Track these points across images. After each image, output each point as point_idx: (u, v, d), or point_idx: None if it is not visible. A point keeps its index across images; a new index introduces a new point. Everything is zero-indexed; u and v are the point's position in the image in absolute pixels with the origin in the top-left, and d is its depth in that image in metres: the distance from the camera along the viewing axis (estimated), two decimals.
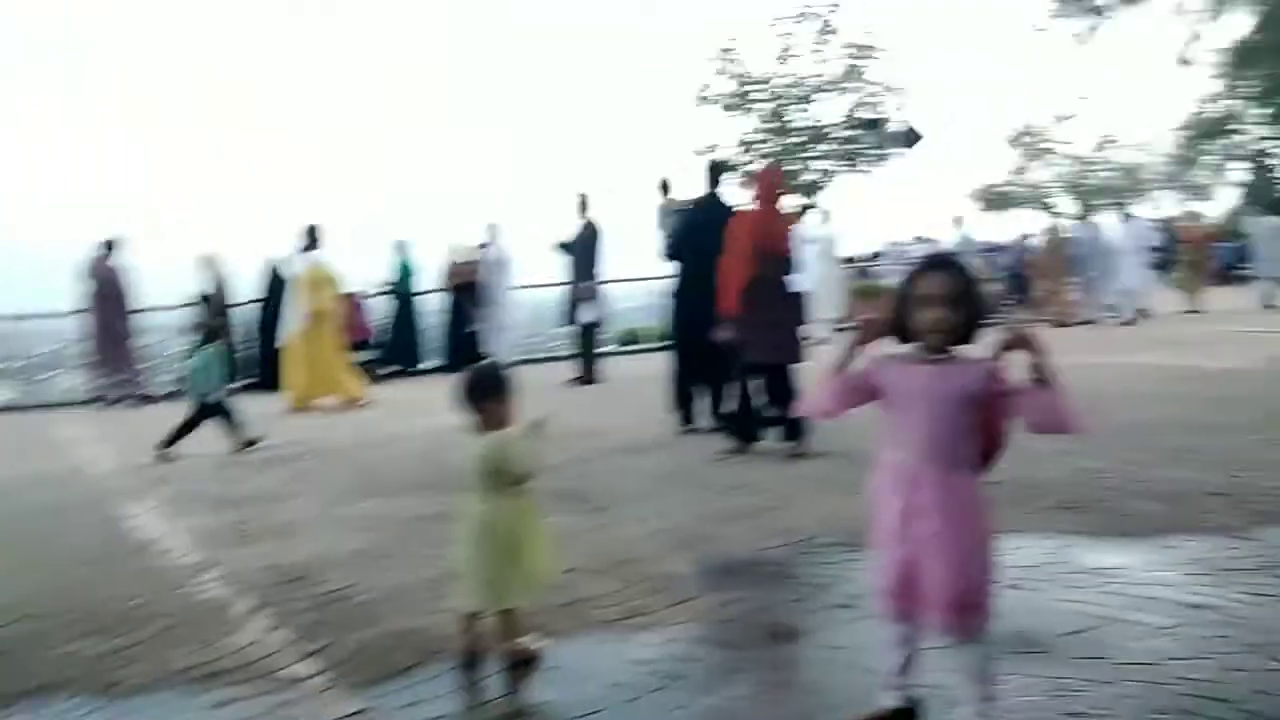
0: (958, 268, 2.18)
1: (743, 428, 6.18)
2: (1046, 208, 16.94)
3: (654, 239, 8.68)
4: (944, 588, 2.10)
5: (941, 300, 2.11)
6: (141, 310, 12.07)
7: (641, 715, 2.55)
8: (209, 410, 7.25)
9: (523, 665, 2.90)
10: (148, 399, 11.42)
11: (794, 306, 6.22)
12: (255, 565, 4.16)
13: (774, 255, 6.03)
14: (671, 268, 7.23)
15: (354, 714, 2.65)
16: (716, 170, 7.09)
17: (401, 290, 13.14)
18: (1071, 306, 15.80)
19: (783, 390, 6.07)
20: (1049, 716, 2.40)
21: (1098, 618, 3.03)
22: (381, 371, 12.69)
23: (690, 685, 2.72)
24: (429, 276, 13.53)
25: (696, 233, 6.80)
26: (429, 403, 9.24)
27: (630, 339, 15.40)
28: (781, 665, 2.90)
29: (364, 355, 12.56)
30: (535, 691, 2.78)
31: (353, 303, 12.67)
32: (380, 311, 13.40)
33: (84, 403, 11.48)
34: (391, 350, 13.07)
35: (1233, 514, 4.09)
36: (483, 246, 13.30)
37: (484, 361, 3.25)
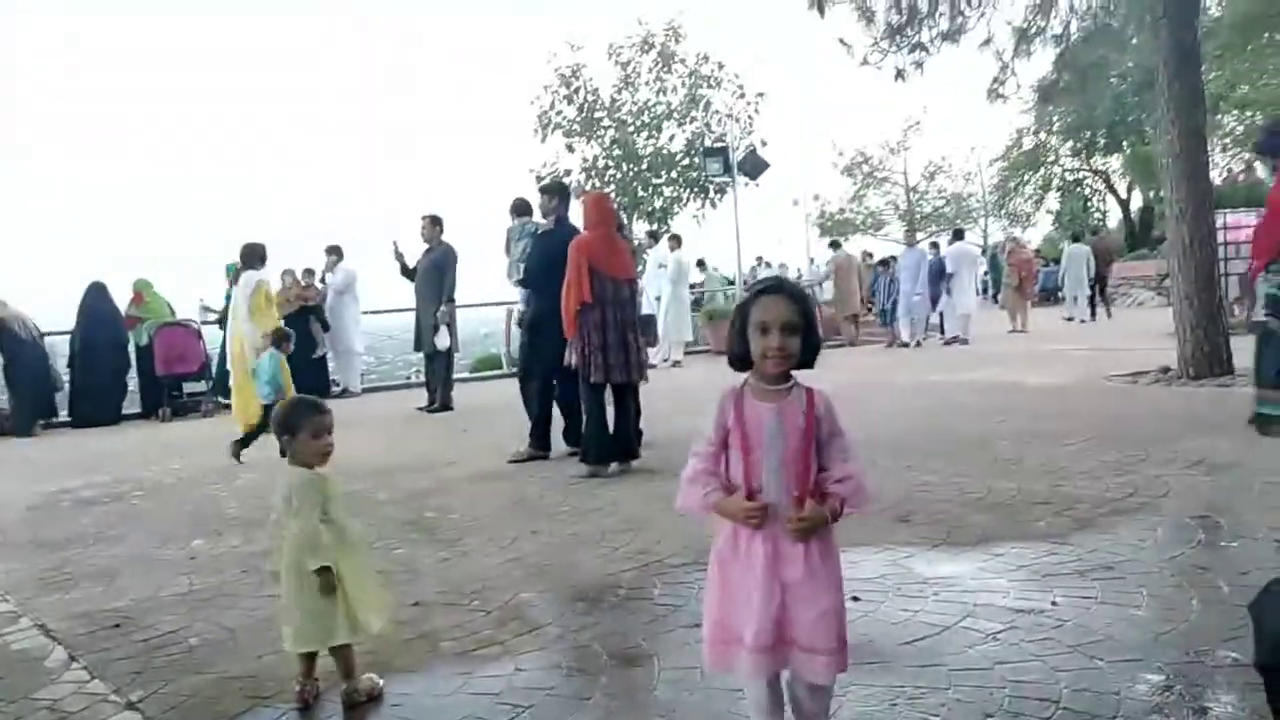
0: (795, 292, 2.13)
1: (593, 451, 6.19)
2: (910, 235, 17.83)
3: (500, 262, 8.55)
4: (824, 633, 2.01)
5: (781, 326, 2.03)
6: None
7: None
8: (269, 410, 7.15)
9: (362, 703, 2.78)
10: None
11: (634, 328, 6.32)
12: (72, 612, 3.85)
13: (611, 279, 6.13)
14: (519, 292, 7.22)
15: None
16: (563, 192, 7.15)
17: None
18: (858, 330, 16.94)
19: (626, 410, 6.21)
20: None
21: (933, 626, 3.16)
22: (222, 402, 12.04)
23: (541, 714, 2.67)
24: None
25: (552, 256, 6.78)
26: (266, 436, 8.83)
27: (487, 364, 15.22)
28: (634, 689, 2.88)
29: (195, 387, 11.91)
30: None
31: (189, 330, 12.01)
32: (215, 340, 12.69)
33: None
34: (221, 382, 12.37)
35: (1055, 521, 4.36)
36: (326, 271, 12.88)
37: (296, 396, 3.10)
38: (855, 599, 3.37)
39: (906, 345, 15.88)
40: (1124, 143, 30.64)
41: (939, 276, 16.29)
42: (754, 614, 2.01)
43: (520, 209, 7.68)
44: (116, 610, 3.85)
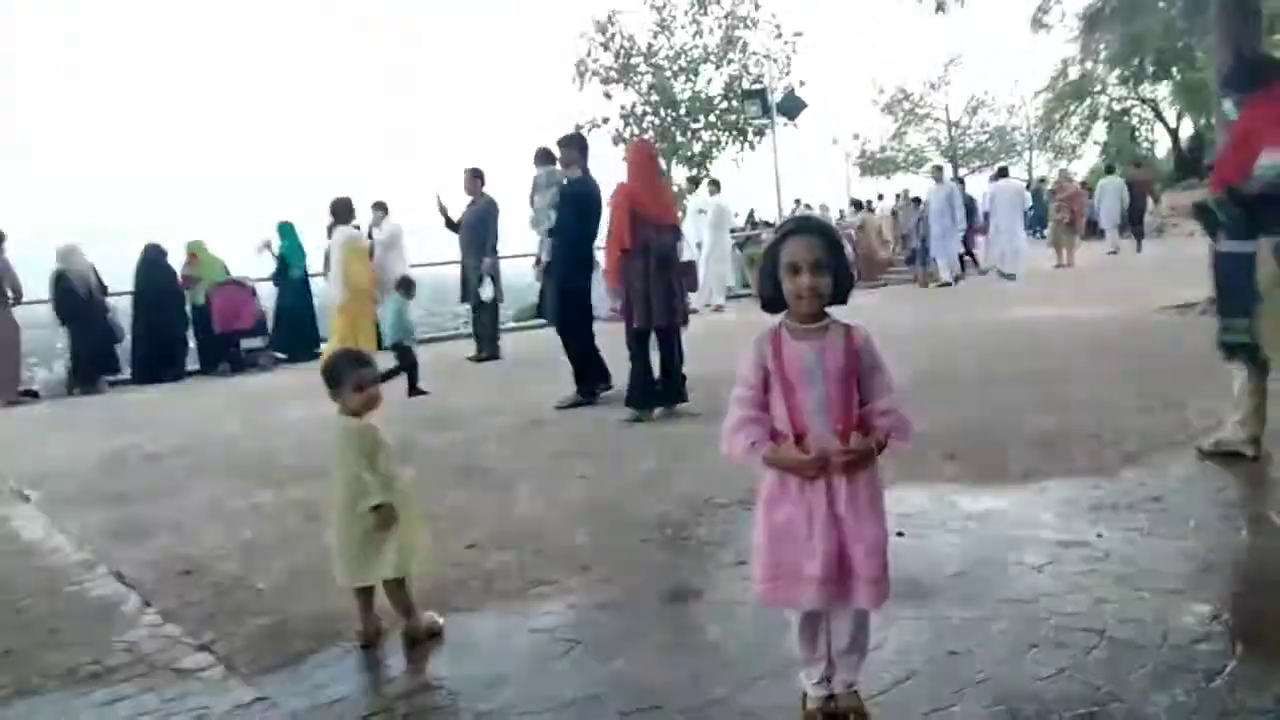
0: (822, 230, 2.14)
1: (639, 395, 6.27)
2: (938, 171, 17.51)
3: (527, 210, 8.58)
4: (871, 563, 2.06)
5: (810, 265, 2.04)
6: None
7: (546, 684, 2.58)
8: (405, 352, 8.04)
9: (423, 640, 2.91)
10: (29, 394, 10.84)
11: (678, 273, 6.37)
12: (144, 560, 4.03)
13: (654, 224, 6.16)
14: (541, 240, 7.25)
15: (252, 702, 2.61)
16: (582, 143, 7.22)
17: (289, 275, 12.68)
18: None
19: (670, 354, 6.26)
20: (932, 654, 2.53)
21: (978, 560, 3.20)
22: (279, 357, 12.33)
23: (593, 651, 2.76)
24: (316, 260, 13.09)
25: (587, 204, 6.92)
26: (320, 388, 9.03)
27: (530, 314, 15.30)
28: (682, 626, 2.97)
29: (253, 343, 12.18)
30: (437, 665, 2.79)
31: (244, 289, 12.26)
32: (269, 297, 12.93)
33: None
34: (280, 337, 12.65)
35: (1102, 455, 4.35)
36: (372, 226, 12.99)
37: (342, 347, 3.23)
38: (900, 534, 3.42)
39: (948, 284, 15.67)
40: (1173, 69, 29.62)
41: (969, 213, 16.03)
42: (816, 549, 2.06)
43: (544, 157, 7.64)
44: (186, 558, 4.01)
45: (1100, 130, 35.86)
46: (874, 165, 37.59)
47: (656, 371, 6.33)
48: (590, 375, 6.99)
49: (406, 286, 8.54)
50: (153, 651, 3.03)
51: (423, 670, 2.78)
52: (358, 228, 10.46)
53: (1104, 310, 9.92)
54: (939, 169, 17.88)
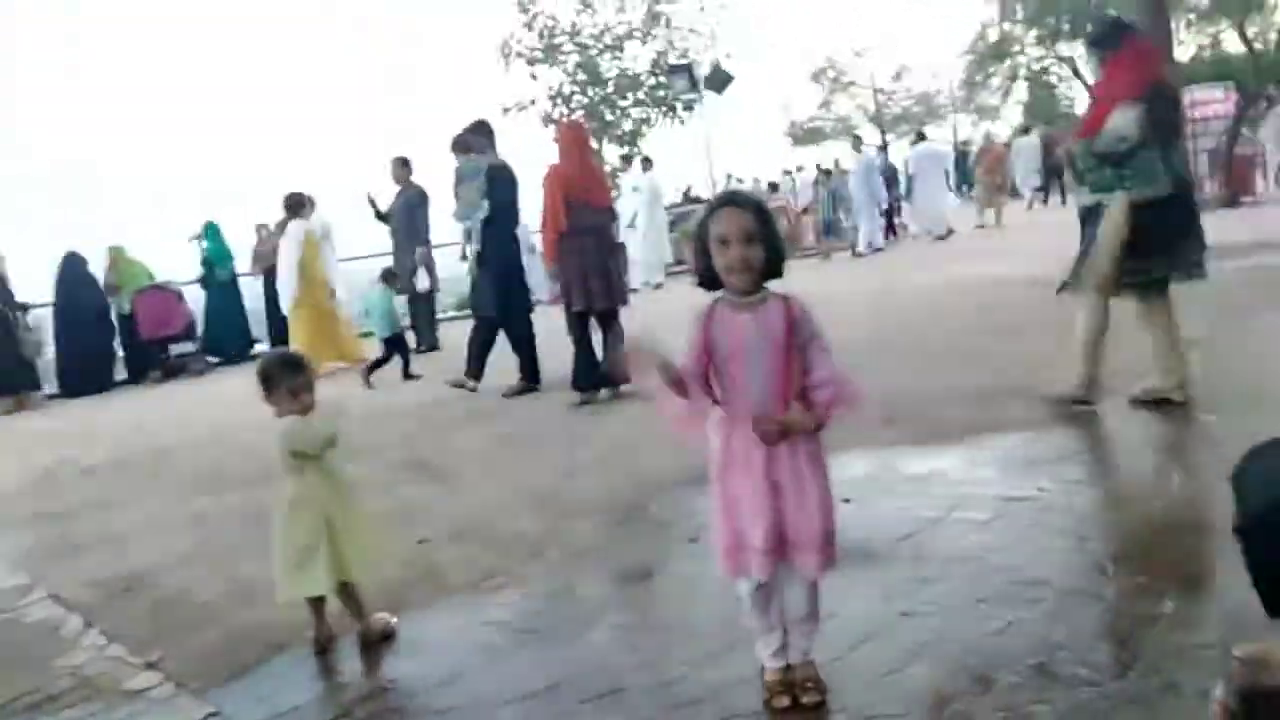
0: (751, 203, 2.13)
1: (584, 378, 6.25)
2: (857, 141, 17.58)
3: (450, 199, 8.54)
4: (816, 533, 2.08)
5: (740, 237, 2.05)
6: None
7: (504, 677, 2.56)
8: (392, 344, 8.34)
9: (377, 642, 2.87)
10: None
11: (613, 254, 6.39)
12: (83, 580, 3.91)
13: (588, 206, 6.14)
14: (468, 230, 7.19)
15: (205, 718, 2.55)
16: (490, 129, 7.19)
17: (216, 277, 12.37)
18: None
19: (613, 335, 6.27)
20: (884, 617, 2.56)
21: (923, 520, 3.25)
22: (211, 361, 12.06)
23: (550, 640, 2.76)
24: (241, 260, 12.77)
25: (513, 188, 6.98)
26: (255, 392, 8.84)
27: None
28: (638, 606, 2.97)
29: (183, 348, 11.88)
30: (393, 666, 2.75)
31: (169, 293, 11.93)
32: (196, 300, 12.60)
33: None
34: (210, 341, 12.36)
35: (1035, 411, 4.44)
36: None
37: (273, 349, 3.15)
38: (846, 501, 3.45)
39: (862, 254, 15.59)
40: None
41: (891, 181, 16.22)
42: (757, 517, 2.08)
43: (465, 145, 7.53)
44: (127, 574, 3.90)
45: (1021, 90, 36.51)
46: (804, 135, 37.80)
47: (599, 353, 6.33)
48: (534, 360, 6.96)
49: (390, 279, 8.86)
50: (97, 674, 2.95)
51: (378, 672, 2.74)
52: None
53: (1033, 268, 10.12)
54: (857, 139, 18.03)
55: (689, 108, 20.86)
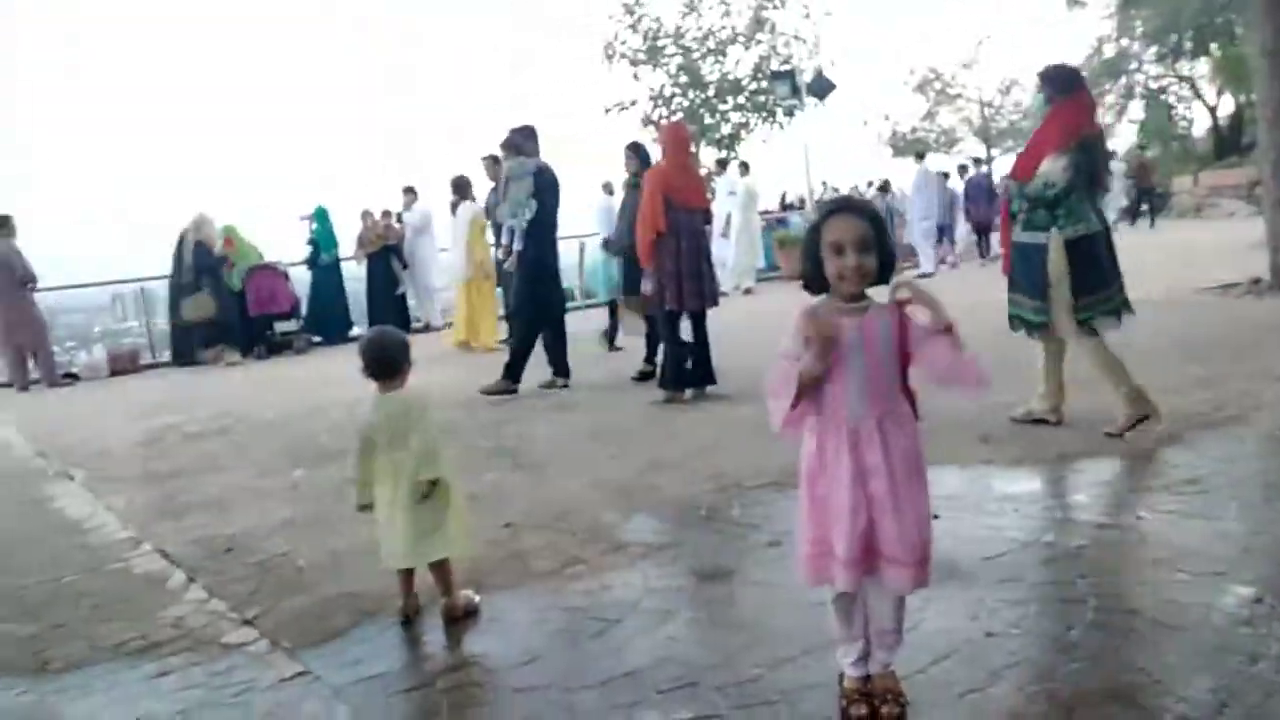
0: (867, 210, 2.13)
1: (672, 377, 6.29)
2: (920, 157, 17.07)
3: (491, 200, 8.73)
4: (908, 546, 2.05)
5: (855, 245, 2.03)
6: (55, 289, 11.72)
7: (582, 662, 2.60)
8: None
9: (461, 618, 2.95)
10: (70, 377, 11.03)
11: (708, 256, 6.46)
12: (187, 538, 4.11)
13: (685, 208, 6.17)
14: (508, 231, 7.33)
15: (295, 676, 2.66)
16: (535, 132, 7.30)
17: (322, 260, 12.80)
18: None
19: (702, 337, 6.28)
20: (968, 635, 2.53)
21: (1014, 541, 3.19)
22: (313, 340, 12.48)
23: (628, 630, 2.79)
24: (347, 244, 13.18)
25: (557, 191, 7.26)
26: (352, 372, 9.13)
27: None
28: (716, 605, 2.98)
29: (288, 326, 12.32)
30: (475, 642, 2.82)
31: (278, 273, 12.39)
32: (302, 281, 13.06)
33: (1, 385, 11.00)
34: (311, 320, 12.80)
35: (1138, 437, 4.30)
36: (403, 210, 13.07)
37: (377, 328, 3.25)
38: (936, 516, 3.41)
39: (929, 274, 14.68)
40: (1212, 45, 28.97)
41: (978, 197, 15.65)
42: (842, 526, 2.07)
43: (515, 146, 7.60)
44: (228, 535, 4.09)
45: (1137, 109, 35.24)
46: (905, 146, 37.14)
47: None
48: (520, 366, 7.13)
49: (609, 245, 9.14)
50: (198, 626, 3.10)
51: (460, 647, 2.82)
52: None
53: (1141, 290, 9.76)
54: (920, 152, 17.46)
55: (789, 114, 20.73)
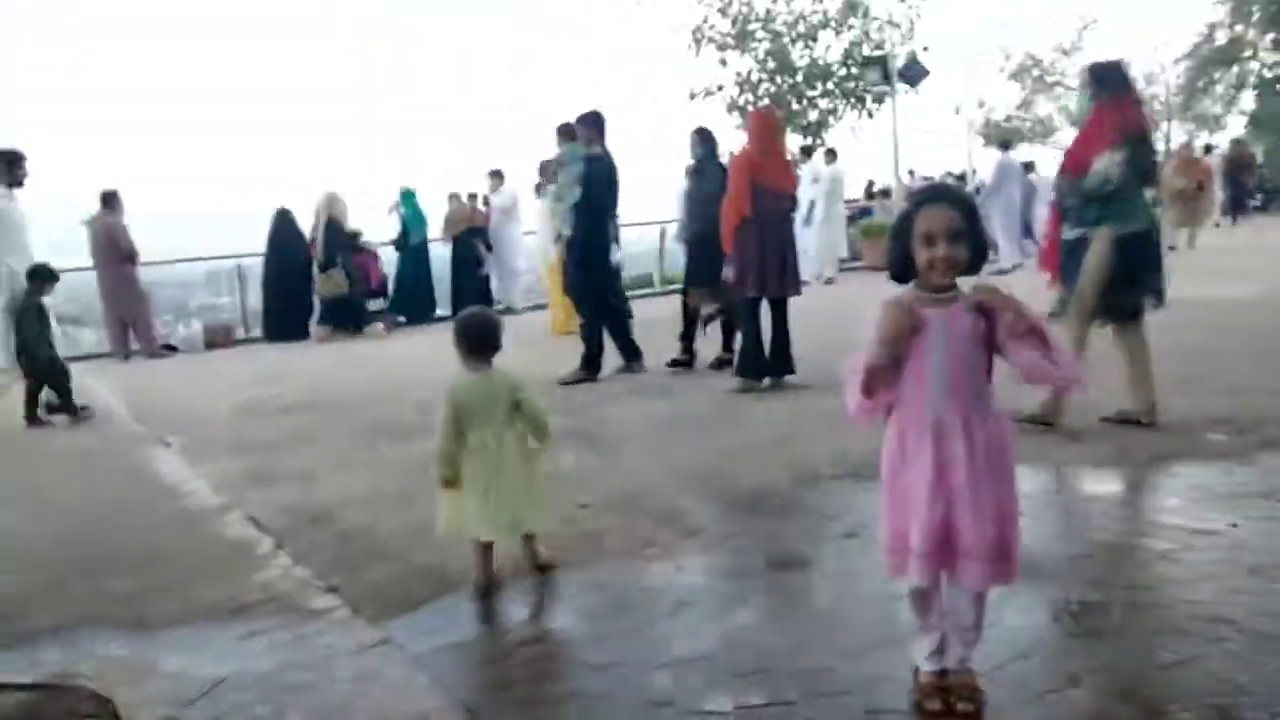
0: (960, 199, 2.09)
1: (750, 365, 6.26)
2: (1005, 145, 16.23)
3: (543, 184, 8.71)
4: (986, 541, 2.01)
5: (946, 235, 2.01)
6: (154, 263, 12.16)
7: (655, 640, 2.63)
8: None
9: (539, 572, 3.07)
10: (169, 349, 11.49)
11: (791, 243, 6.38)
12: (275, 506, 4.25)
13: (771, 192, 6.11)
14: (563, 217, 7.32)
15: (377, 643, 2.74)
16: (600, 120, 7.23)
17: (410, 241, 13.04)
18: None
19: (781, 324, 6.26)
20: (1050, 635, 2.47)
21: (1099, 544, 3.10)
22: (399, 320, 12.74)
23: (703, 613, 2.80)
24: (434, 225, 13.39)
25: (613, 179, 7.20)
26: (436, 351, 9.31)
27: (645, 282, 15.35)
28: (791, 593, 2.97)
29: (376, 305, 12.58)
30: (552, 617, 2.87)
31: (367, 253, 12.64)
32: (389, 262, 13.31)
33: (104, 355, 11.51)
34: (398, 301, 13.03)
35: (1237, 441, 4.14)
36: (490, 193, 13.24)
37: (474, 308, 3.32)
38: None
39: (1006, 270, 13.50)
40: None
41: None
42: (919, 518, 2.04)
43: (569, 133, 7.59)
44: (314, 506, 4.22)
45: (1249, 99, 33.64)
46: (998, 136, 36.17)
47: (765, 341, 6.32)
48: (598, 353, 7.16)
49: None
50: (285, 591, 3.21)
51: (536, 621, 2.87)
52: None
53: (1242, 290, 9.37)
54: (1006, 141, 16.68)
55: (879, 101, 20.36)
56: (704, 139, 7.16)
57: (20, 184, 7.22)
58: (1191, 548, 3.02)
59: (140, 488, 4.86)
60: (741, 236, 6.08)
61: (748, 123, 6.43)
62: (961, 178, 16.94)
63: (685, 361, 7.26)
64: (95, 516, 4.35)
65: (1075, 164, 4.55)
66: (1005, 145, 16.44)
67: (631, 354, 7.30)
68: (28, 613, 3.18)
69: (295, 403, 7.05)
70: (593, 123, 7.26)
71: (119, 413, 7.34)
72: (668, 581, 3.05)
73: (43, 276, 6.82)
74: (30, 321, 6.68)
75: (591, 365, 7.14)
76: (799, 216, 14.30)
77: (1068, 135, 34.68)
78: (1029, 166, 17.05)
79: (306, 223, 12.38)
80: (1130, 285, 4.44)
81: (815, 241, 14.35)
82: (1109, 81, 4.59)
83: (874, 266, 15.48)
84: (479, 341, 3.09)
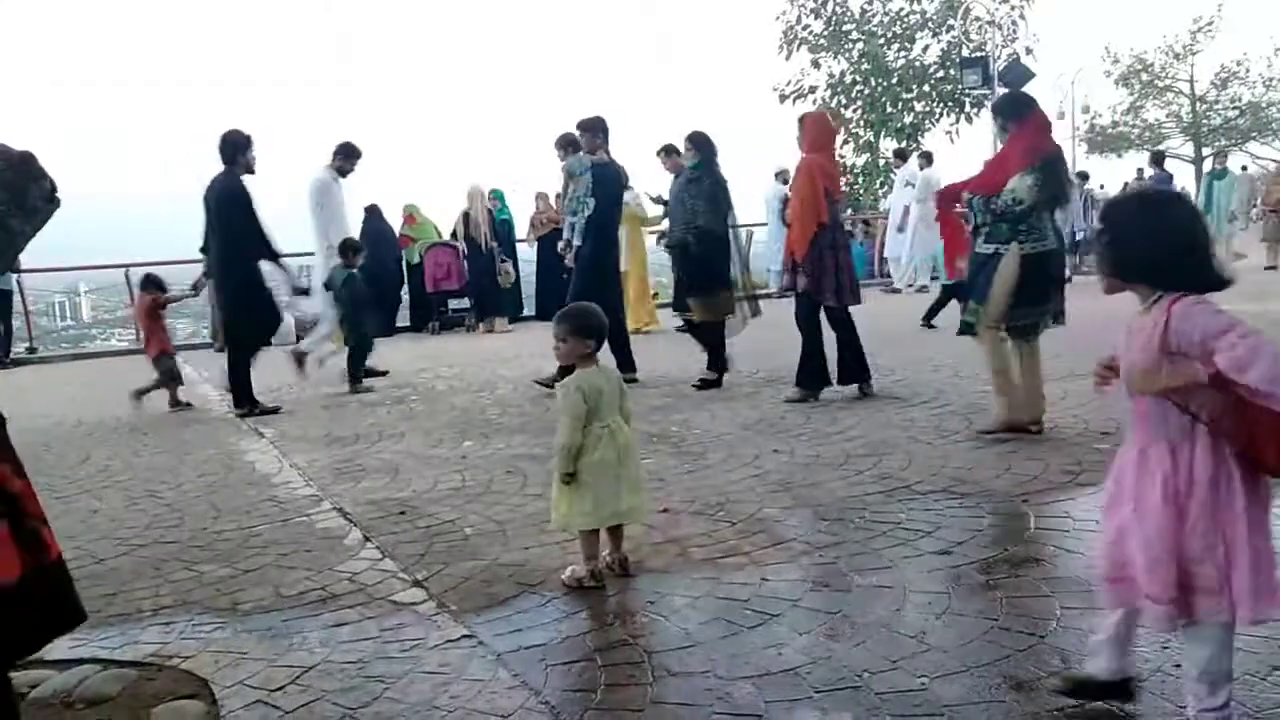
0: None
1: (812, 376, 6.13)
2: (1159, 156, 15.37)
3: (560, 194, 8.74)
4: (1141, 569, 1.93)
5: None
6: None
7: (739, 651, 2.57)
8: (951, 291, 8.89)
9: (624, 597, 3.03)
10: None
11: (848, 250, 6.30)
12: (363, 499, 4.33)
13: (836, 199, 6.04)
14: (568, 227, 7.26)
15: (461, 638, 2.75)
16: (604, 126, 7.20)
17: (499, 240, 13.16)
18: None
19: (852, 332, 6.12)
20: (1159, 666, 2.34)
21: None
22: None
23: (788, 625, 2.74)
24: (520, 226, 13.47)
25: (618, 187, 7.31)
26: (518, 351, 9.40)
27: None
28: (879, 609, 2.88)
29: (460, 304, 12.73)
30: (635, 623, 2.84)
31: (452, 251, 12.79)
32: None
33: (198, 346, 11.93)
34: (481, 300, 13.11)
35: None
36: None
37: (585, 303, 3.33)
38: None
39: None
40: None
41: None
42: (1143, 552, 1.94)
43: (573, 143, 7.47)
44: (401, 499, 4.29)
45: None
46: (1104, 142, 34.97)
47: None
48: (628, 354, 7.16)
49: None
50: (372, 583, 3.26)
51: (618, 626, 2.84)
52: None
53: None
54: (1159, 155, 15.83)
55: (978, 104, 19.89)
56: (699, 145, 6.90)
57: (346, 174, 8.82)
58: None
59: (235, 476, 5.00)
60: (816, 244, 5.94)
61: (805, 126, 6.24)
62: (1084, 176, 15.99)
63: (714, 381, 6.88)
64: (192, 503, 4.50)
65: (988, 184, 4.80)
66: (1159, 160, 15.61)
67: (630, 365, 7.14)
68: (129, 594, 3.30)
69: (383, 398, 7.20)
70: (593, 128, 7.17)
71: (214, 402, 7.59)
72: (753, 592, 3.00)
73: (355, 249, 7.94)
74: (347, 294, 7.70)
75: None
76: (892, 223, 14.05)
77: (1176, 143, 33.44)
78: (1085, 177, 16.36)
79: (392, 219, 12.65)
80: (1033, 303, 4.70)
81: (908, 248, 13.96)
82: (1011, 111, 4.90)
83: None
84: (603, 333, 3.23)
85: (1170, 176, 15.02)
